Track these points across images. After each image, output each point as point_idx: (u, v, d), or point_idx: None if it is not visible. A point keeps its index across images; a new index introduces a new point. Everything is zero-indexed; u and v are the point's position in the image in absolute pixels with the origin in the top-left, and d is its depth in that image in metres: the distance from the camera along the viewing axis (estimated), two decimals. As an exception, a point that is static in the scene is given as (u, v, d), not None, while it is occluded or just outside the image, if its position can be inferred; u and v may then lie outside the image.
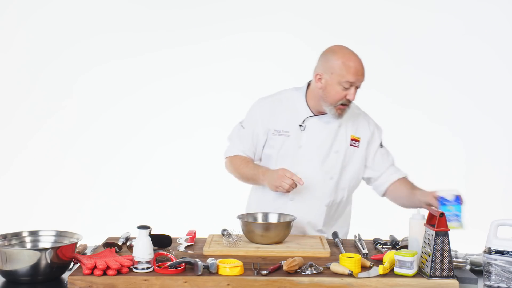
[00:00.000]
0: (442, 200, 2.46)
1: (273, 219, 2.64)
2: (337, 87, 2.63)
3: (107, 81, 5.13)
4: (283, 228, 2.51)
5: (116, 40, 5.11)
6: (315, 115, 2.77)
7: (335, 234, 2.65)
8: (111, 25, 5.11)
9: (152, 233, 2.32)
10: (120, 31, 5.11)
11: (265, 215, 2.66)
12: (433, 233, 2.12)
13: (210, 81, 5.12)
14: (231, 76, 5.09)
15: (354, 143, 2.79)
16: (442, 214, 2.13)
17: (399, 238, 2.61)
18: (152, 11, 5.12)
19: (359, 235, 2.63)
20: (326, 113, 2.73)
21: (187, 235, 2.60)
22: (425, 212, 2.29)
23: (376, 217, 4.72)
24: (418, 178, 5.18)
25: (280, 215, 2.64)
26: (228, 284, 2.08)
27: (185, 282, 2.08)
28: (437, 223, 2.12)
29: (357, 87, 2.65)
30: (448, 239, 2.12)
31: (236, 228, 2.55)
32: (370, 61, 5.45)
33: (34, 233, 2.34)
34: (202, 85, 5.13)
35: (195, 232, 2.66)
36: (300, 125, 2.76)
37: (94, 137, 5.13)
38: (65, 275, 2.19)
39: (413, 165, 5.14)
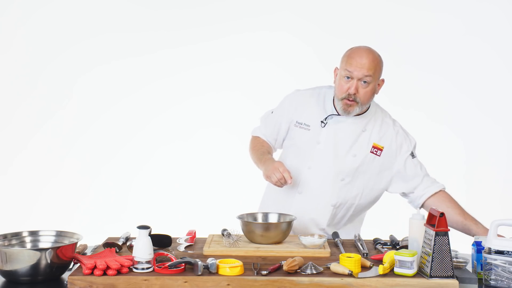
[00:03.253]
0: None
1: (273, 219, 2.63)
2: (341, 79, 2.64)
3: (107, 81, 5.13)
4: (283, 228, 2.51)
5: (116, 41, 5.11)
6: (340, 115, 2.73)
7: (335, 234, 2.65)
8: (111, 25, 5.11)
9: (152, 233, 2.32)
10: (120, 32, 5.11)
11: (265, 215, 2.65)
12: (433, 233, 2.12)
13: (210, 81, 5.12)
14: (231, 76, 5.09)
15: (376, 151, 2.73)
16: (442, 214, 2.13)
17: (399, 238, 2.61)
18: (152, 11, 5.12)
19: (359, 235, 2.63)
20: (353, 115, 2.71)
21: (187, 235, 2.60)
22: (425, 212, 2.28)
23: (376, 217, 4.72)
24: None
25: (280, 215, 2.64)
26: (228, 284, 2.08)
27: (185, 282, 2.08)
28: (437, 223, 2.12)
29: (360, 81, 2.59)
30: (448, 239, 2.11)
31: (236, 228, 2.55)
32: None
33: (34, 233, 2.34)
34: (202, 85, 5.13)
35: (195, 232, 2.66)
36: (322, 121, 2.74)
37: (94, 137, 5.13)
38: (65, 275, 2.19)
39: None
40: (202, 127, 5.12)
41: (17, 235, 2.32)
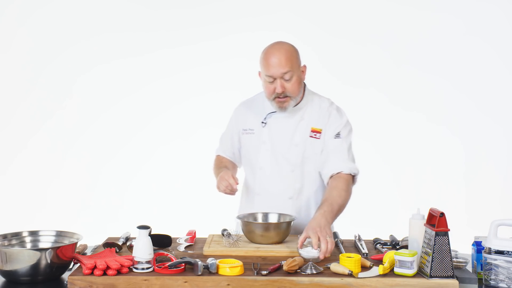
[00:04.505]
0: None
1: (273, 219, 2.64)
2: (265, 83, 2.71)
3: (107, 81, 5.13)
4: (283, 228, 2.51)
5: (116, 40, 5.12)
6: (276, 112, 2.79)
7: (335, 234, 2.65)
8: (111, 25, 5.11)
9: (152, 233, 2.33)
10: (120, 31, 5.12)
11: (265, 215, 2.66)
12: (433, 233, 2.12)
13: (210, 81, 5.12)
14: (231, 76, 5.09)
15: (315, 135, 2.77)
16: (442, 214, 2.13)
17: (399, 238, 2.61)
18: (152, 11, 5.12)
19: (359, 235, 2.62)
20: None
21: (187, 235, 2.60)
22: (425, 212, 2.29)
23: (376, 217, 4.73)
24: (418, 178, 5.16)
25: (280, 215, 2.64)
26: (228, 284, 2.08)
27: (185, 282, 2.08)
28: (437, 223, 2.12)
29: (282, 78, 2.65)
30: (448, 239, 2.12)
31: (236, 228, 2.55)
32: (370, 61, 5.47)
33: (34, 233, 2.34)
34: (202, 85, 5.13)
35: (195, 232, 2.66)
36: (262, 122, 2.83)
37: (94, 137, 5.13)
38: (65, 275, 2.19)
39: (413, 165, 5.19)
40: (202, 127, 5.12)
41: (17, 235, 2.32)
